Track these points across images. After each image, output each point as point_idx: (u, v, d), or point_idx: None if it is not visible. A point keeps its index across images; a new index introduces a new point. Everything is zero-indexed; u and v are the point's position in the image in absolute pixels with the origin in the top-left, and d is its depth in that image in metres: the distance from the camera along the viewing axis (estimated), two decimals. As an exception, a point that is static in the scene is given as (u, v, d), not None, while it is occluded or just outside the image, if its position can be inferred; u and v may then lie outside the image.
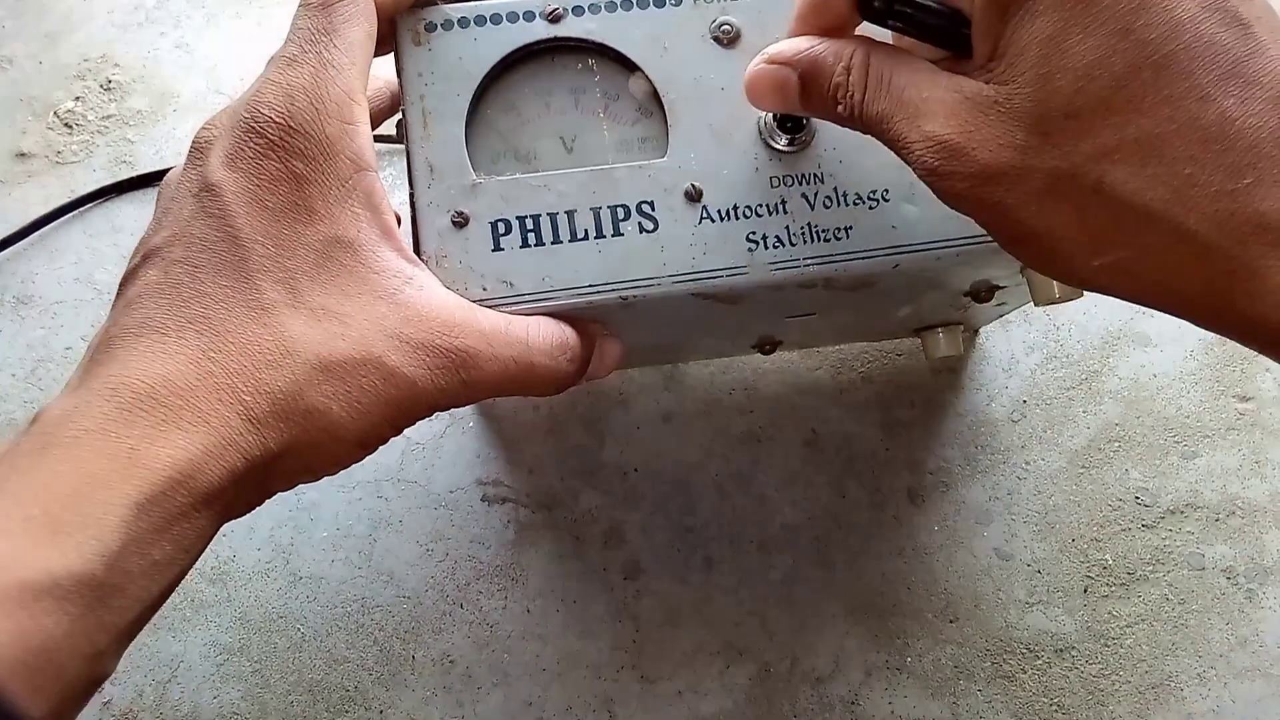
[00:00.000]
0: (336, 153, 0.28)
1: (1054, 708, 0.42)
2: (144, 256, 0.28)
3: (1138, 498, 0.46)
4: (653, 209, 0.32)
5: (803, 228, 0.33)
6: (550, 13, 0.33)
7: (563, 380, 0.31)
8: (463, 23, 0.33)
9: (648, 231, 0.32)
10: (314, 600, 0.44)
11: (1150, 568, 0.45)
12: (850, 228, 0.33)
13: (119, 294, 0.29)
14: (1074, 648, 0.43)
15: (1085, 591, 0.44)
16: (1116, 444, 0.47)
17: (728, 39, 0.33)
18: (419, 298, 0.29)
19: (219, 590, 0.44)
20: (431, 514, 0.45)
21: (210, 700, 0.43)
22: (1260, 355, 0.49)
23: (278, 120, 0.28)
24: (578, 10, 0.33)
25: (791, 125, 0.33)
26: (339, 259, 0.28)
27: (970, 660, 0.43)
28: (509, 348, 0.30)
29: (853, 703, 0.42)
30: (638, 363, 0.46)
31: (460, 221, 0.32)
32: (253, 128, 0.28)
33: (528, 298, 0.31)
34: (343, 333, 0.27)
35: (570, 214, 0.32)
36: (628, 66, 0.33)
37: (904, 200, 0.33)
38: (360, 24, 0.30)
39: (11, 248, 0.52)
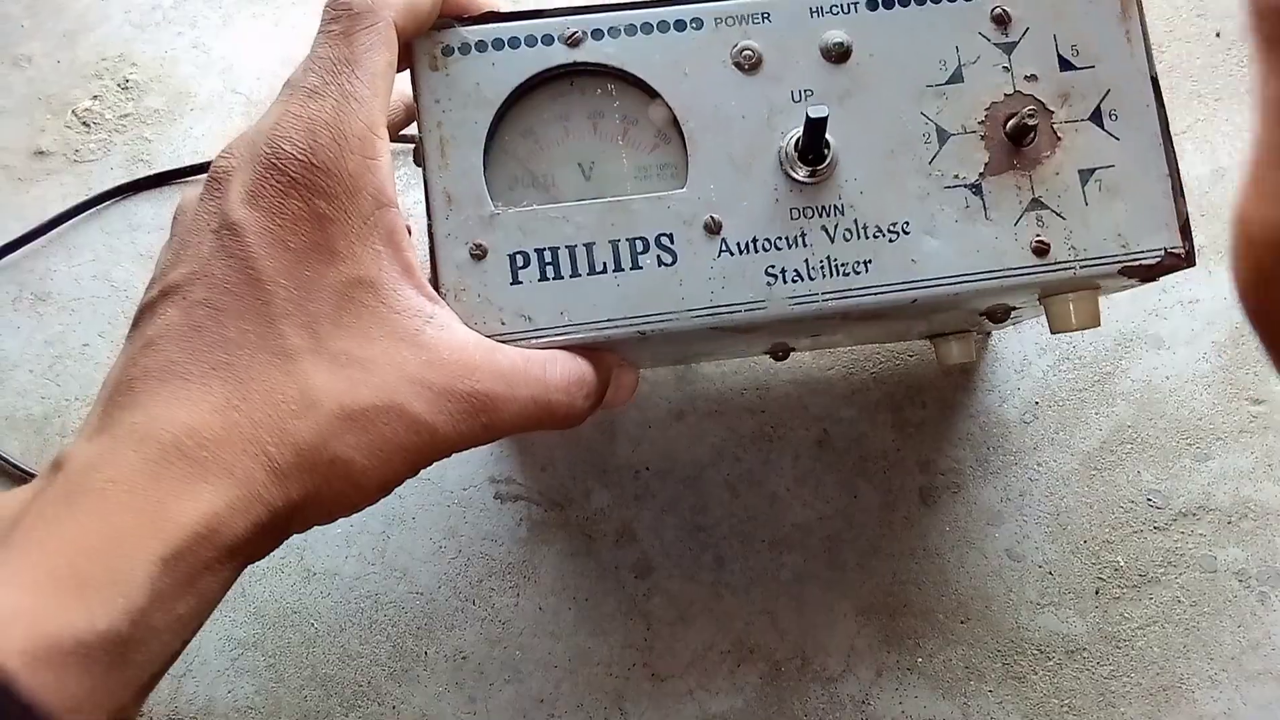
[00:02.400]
0: (359, 190, 0.28)
1: (1065, 709, 0.42)
2: (162, 292, 0.28)
3: (1150, 500, 0.46)
4: (671, 241, 0.32)
5: (822, 261, 0.32)
6: (569, 37, 0.32)
7: (578, 416, 0.31)
8: (480, 47, 0.32)
9: (666, 265, 0.32)
10: (327, 596, 0.44)
11: (1162, 570, 0.45)
12: (870, 261, 0.33)
13: (136, 327, 0.28)
14: (1085, 649, 0.43)
15: (1097, 593, 0.44)
16: (1129, 446, 0.47)
17: (749, 65, 0.33)
18: (440, 338, 0.28)
19: (234, 586, 0.44)
20: (444, 511, 0.46)
21: (224, 694, 0.43)
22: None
23: (300, 157, 0.27)
24: (597, 34, 0.33)
25: (813, 156, 0.32)
26: (360, 299, 0.28)
27: (981, 661, 0.43)
28: (527, 387, 0.29)
29: (863, 702, 0.42)
30: (650, 364, 0.46)
31: (478, 254, 0.31)
32: (275, 164, 0.27)
33: (546, 332, 0.31)
34: (365, 380, 0.27)
35: (589, 246, 0.32)
36: (648, 92, 0.33)
37: (925, 233, 0.33)
38: (382, 52, 0.29)
39: (30, 245, 0.53)
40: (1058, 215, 0.34)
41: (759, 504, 0.46)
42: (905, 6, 0.33)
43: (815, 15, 0.33)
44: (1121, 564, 0.45)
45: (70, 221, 0.54)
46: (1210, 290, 0.53)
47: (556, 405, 0.30)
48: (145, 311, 0.28)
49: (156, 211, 0.55)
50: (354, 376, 0.27)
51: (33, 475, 0.47)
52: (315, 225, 0.27)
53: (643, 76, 0.32)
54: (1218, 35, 0.63)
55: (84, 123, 0.58)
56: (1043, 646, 0.43)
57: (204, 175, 0.30)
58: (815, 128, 0.31)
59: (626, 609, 0.44)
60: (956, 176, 0.33)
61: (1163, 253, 0.34)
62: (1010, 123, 0.33)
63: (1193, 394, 0.49)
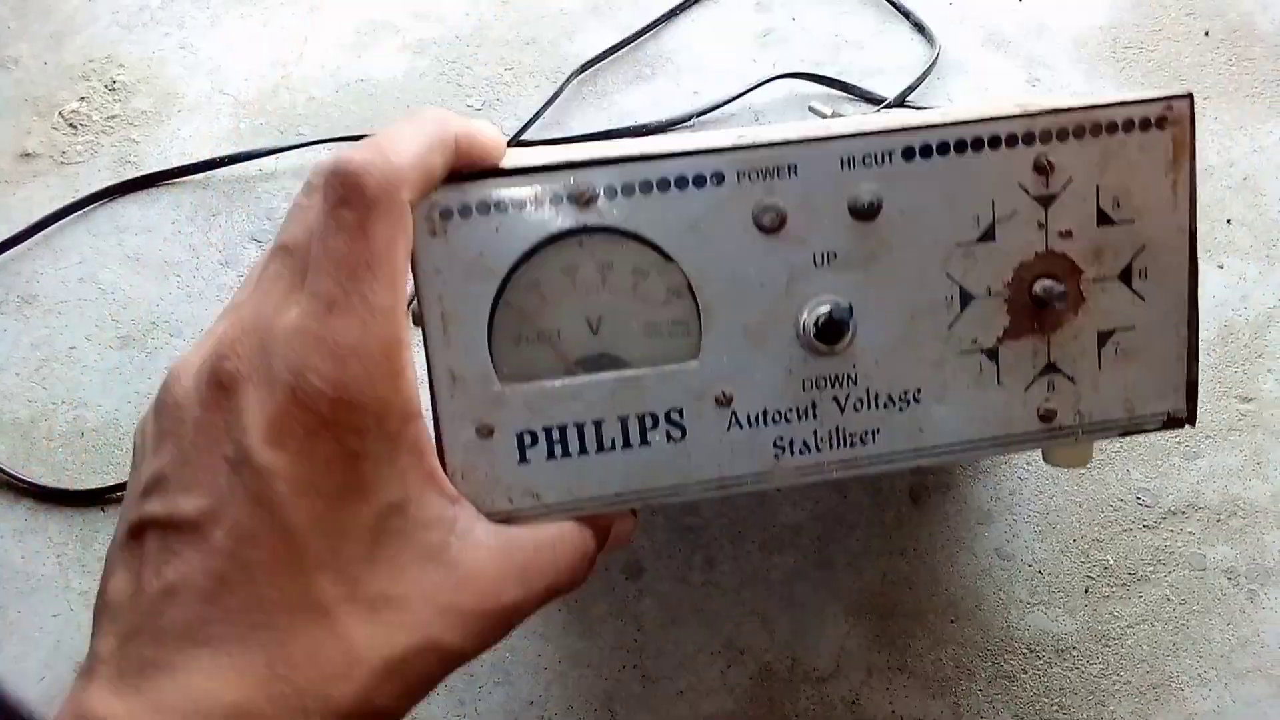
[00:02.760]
0: (388, 413, 0.26)
1: (1055, 708, 0.42)
2: (171, 521, 0.25)
3: (1139, 498, 0.46)
4: (681, 416, 0.31)
5: (830, 431, 0.32)
6: (579, 195, 0.30)
7: (580, 584, 0.30)
8: (482, 209, 0.29)
9: (675, 440, 0.31)
10: (316, 599, 0.44)
11: (1151, 568, 0.45)
12: (878, 431, 0.32)
13: (139, 541, 0.25)
14: (1075, 648, 0.43)
15: (1086, 592, 0.44)
16: (1118, 444, 0.47)
17: (772, 225, 0.30)
18: (464, 553, 0.27)
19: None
20: (434, 513, 0.45)
21: (213, 698, 0.43)
22: (1262, 356, 0.50)
23: (330, 394, 0.25)
24: (610, 191, 0.30)
25: (833, 336, 0.31)
26: (390, 527, 0.26)
27: (971, 660, 0.43)
28: (541, 579, 0.29)
29: (854, 702, 0.42)
30: None
31: (485, 433, 0.30)
32: (301, 400, 0.24)
33: (554, 507, 0.30)
34: (401, 622, 0.26)
35: (598, 424, 0.31)
36: (661, 254, 0.31)
37: (935, 400, 0.32)
38: (402, 242, 0.26)
39: (16, 247, 0.53)
40: (1069, 379, 0.33)
41: (749, 505, 0.46)
42: (944, 155, 0.31)
43: (846, 167, 0.31)
44: (1111, 562, 0.45)
45: (57, 224, 0.54)
46: (1199, 289, 0.53)
47: (563, 585, 0.29)
48: (148, 531, 0.25)
49: (144, 214, 0.54)
50: (390, 620, 0.26)
51: (19, 480, 0.46)
52: (347, 464, 0.25)
53: (657, 241, 0.30)
54: (1206, 34, 0.63)
55: (71, 124, 0.58)
56: (1033, 645, 0.43)
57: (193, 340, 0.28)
58: (838, 321, 0.30)
59: (617, 610, 0.44)
60: (974, 341, 0.32)
61: (1166, 416, 0.33)
62: (1036, 288, 0.32)
63: (1182, 392, 0.49)
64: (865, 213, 0.31)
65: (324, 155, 0.57)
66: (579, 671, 0.43)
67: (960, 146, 0.31)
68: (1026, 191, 0.31)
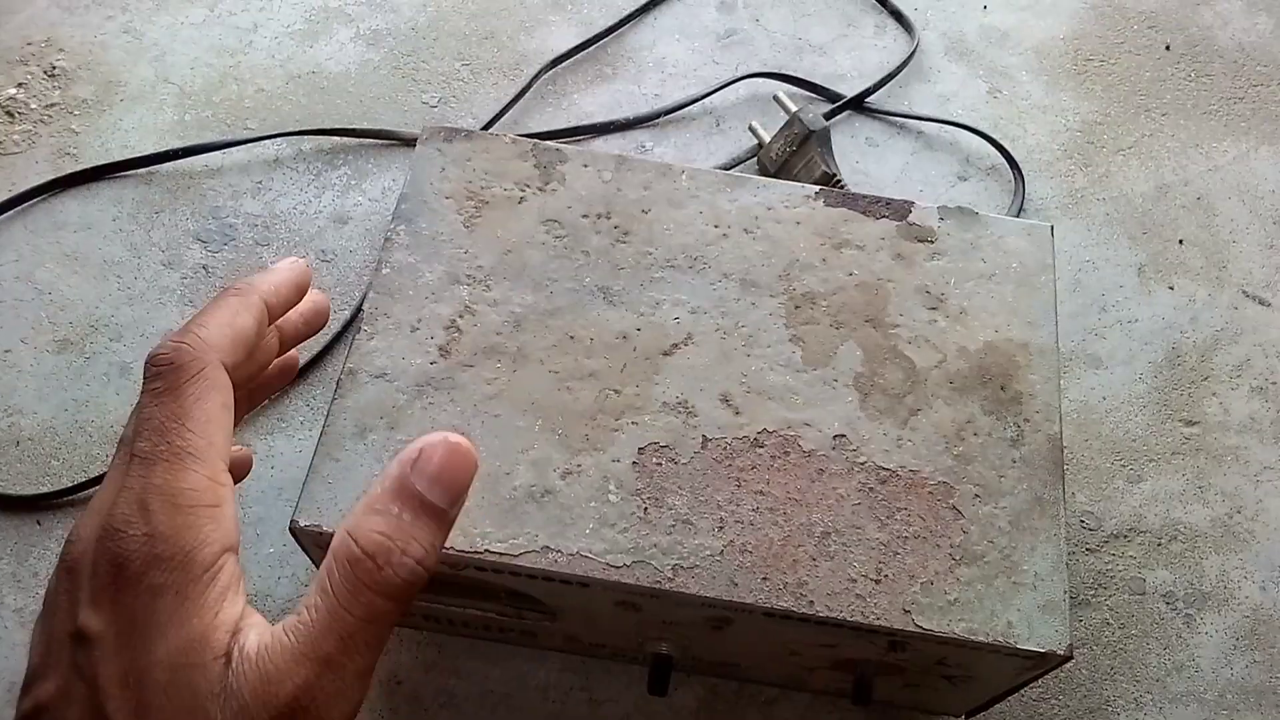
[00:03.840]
0: (200, 544, 0.26)
1: (994, 731, 0.43)
2: (36, 707, 0.26)
3: (1083, 521, 0.47)
4: (535, 636, 0.41)
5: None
6: (456, 563, 0.34)
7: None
8: None
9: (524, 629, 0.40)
10: (260, 616, 0.43)
11: (1092, 592, 0.46)
12: (697, 659, 0.40)
13: None
14: (1016, 671, 0.44)
15: (1029, 615, 0.45)
16: (1064, 467, 0.47)
17: (632, 608, 0.36)
18: (249, 666, 0.27)
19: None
20: (381, 529, 0.45)
21: None
22: (1208, 380, 0.50)
23: (140, 545, 0.26)
24: (495, 569, 0.35)
25: (658, 688, 0.39)
26: (189, 661, 0.26)
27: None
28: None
29: (798, 724, 0.43)
30: None
31: None
32: (118, 560, 0.26)
33: None
34: None
35: (464, 621, 0.40)
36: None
37: (751, 669, 0.41)
38: (214, 397, 0.28)
39: (-52, 244, 0.51)
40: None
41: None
42: (804, 624, 0.34)
43: (709, 607, 0.34)
44: (1054, 586, 0.45)
45: (-9, 220, 0.52)
46: (1149, 310, 0.53)
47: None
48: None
49: (83, 209, 0.53)
50: None
51: (-49, 489, 0.45)
52: (152, 605, 0.26)
53: (527, 591, 0.36)
54: (1167, 48, 0.63)
55: (8, 113, 0.56)
56: (975, 668, 0.44)
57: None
58: (663, 685, 0.38)
59: (564, 630, 0.44)
60: (797, 666, 0.39)
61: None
62: (858, 679, 0.38)
63: (1128, 415, 0.50)
64: (718, 627, 0.35)
65: (273, 149, 0.55)
66: (526, 694, 0.43)
67: (822, 623, 0.33)
68: (873, 645, 0.35)
